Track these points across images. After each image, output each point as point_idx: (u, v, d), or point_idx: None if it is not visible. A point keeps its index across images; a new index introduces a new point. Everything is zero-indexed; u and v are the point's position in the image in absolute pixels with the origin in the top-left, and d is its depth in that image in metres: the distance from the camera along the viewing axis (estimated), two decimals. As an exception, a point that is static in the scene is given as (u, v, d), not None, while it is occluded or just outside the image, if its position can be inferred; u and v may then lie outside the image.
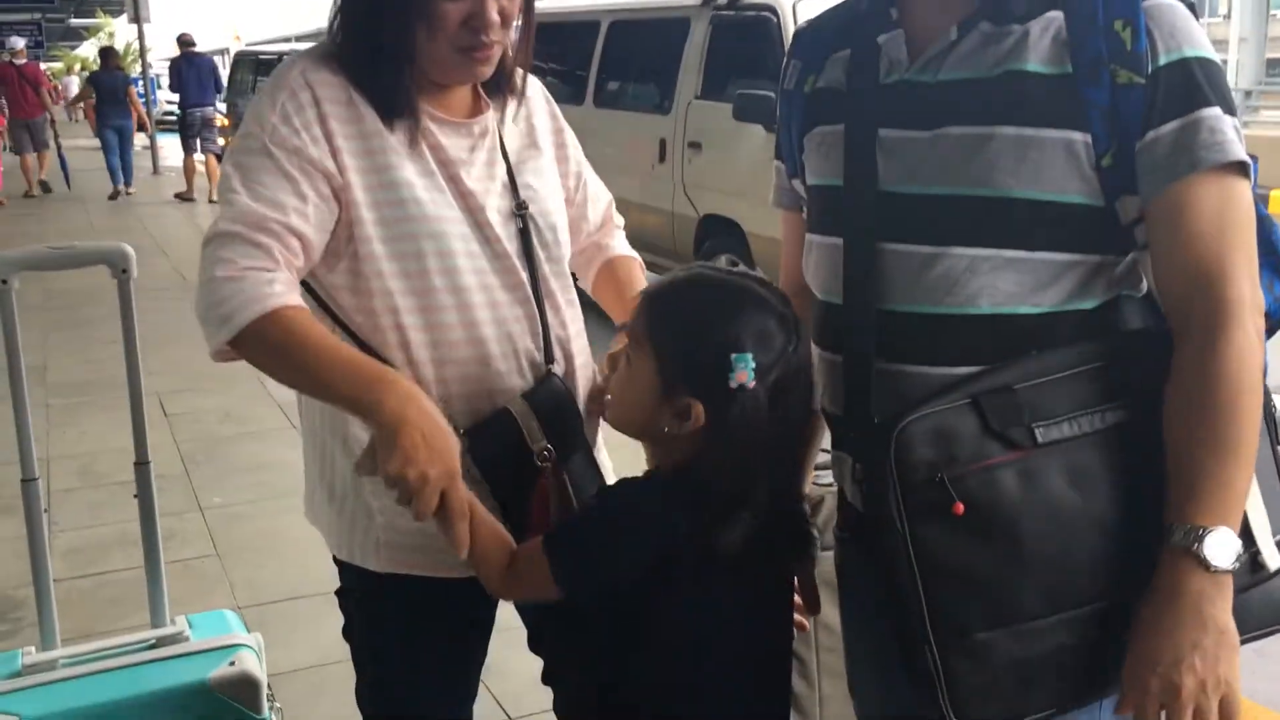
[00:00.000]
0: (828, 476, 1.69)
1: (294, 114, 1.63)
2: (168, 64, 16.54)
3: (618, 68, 8.35)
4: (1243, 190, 1.34)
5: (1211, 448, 1.30)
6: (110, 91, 15.26)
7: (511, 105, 1.84)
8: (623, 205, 2.11)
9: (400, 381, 1.54)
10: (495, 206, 1.73)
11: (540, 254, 1.77)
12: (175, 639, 2.43)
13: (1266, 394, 1.34)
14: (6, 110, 15.60)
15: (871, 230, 1.44)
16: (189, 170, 14.59)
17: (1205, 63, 1.34)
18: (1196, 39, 1.34)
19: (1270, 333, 1.40)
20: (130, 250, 2.43)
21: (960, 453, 1.33)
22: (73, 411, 5.81)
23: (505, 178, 1.77)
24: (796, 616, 1.71)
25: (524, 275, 1.73)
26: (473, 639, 1.87)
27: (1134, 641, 1.32)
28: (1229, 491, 1.30)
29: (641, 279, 2.02)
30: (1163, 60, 1.32)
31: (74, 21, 41.12)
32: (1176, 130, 1.32)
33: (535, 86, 1.90)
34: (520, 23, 1.76)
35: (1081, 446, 1.35)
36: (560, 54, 8.68)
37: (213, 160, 14.52)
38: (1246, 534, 1.34)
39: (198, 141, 14.54)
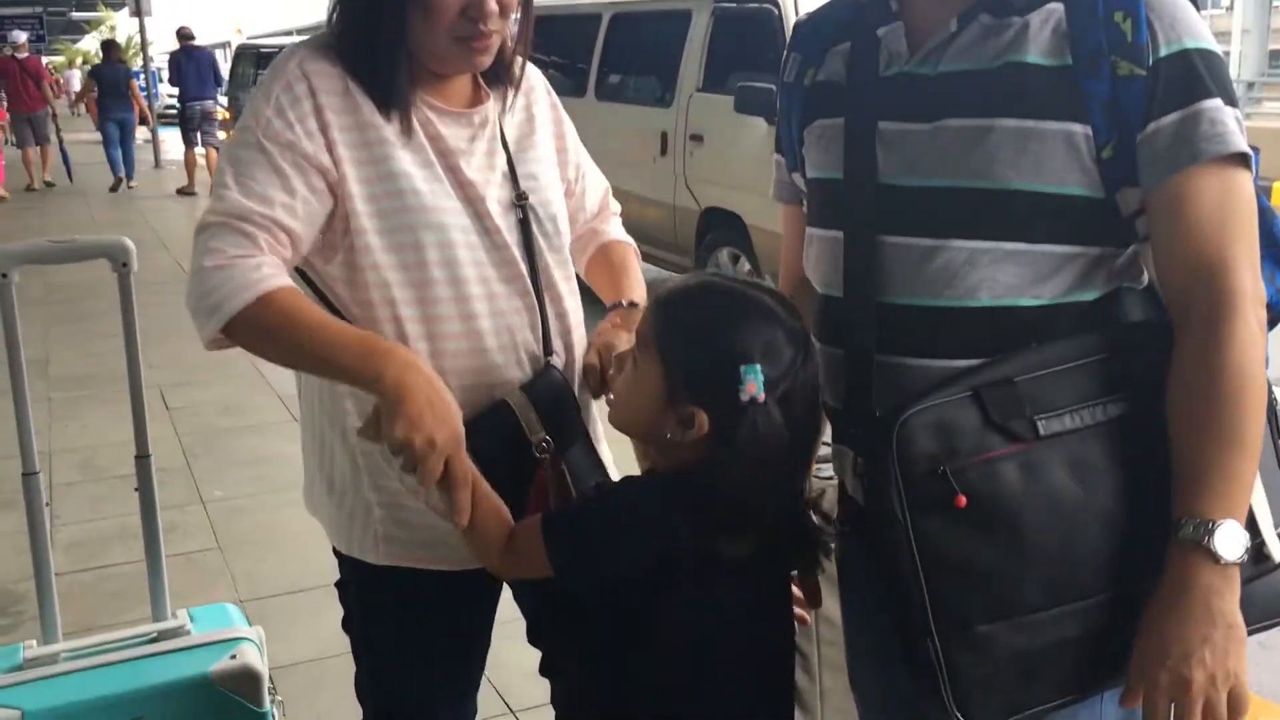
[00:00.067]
0: (828, 470, 1.69)
1: (289, 107, 1.63)
2: (167, 57, 16.52)
3: (619, 60, 8.34)
4: (1244, 182, 1.33)
5: (1217, 440, 1.30)
6: (112, 85, 15.25)
7: (511, 95, 1.83)
8: (624, 198, 2.11)
9: (399, 350, 1.55)
10: (495, 197, 1.73)
11: (541, 244, 1.77)
12: (176, 632, 2.43)
13: (1268, 386, 1.34)
14: (6, 104, 15.59)
15: (872, 223, 1.44)
16: (190, 164, 14.59)
17: (1206, 54, 1.33)
18: (1197, 30, 1.34)
19: (1272, 324, 1.39)
20: (130, 244, 2.42)
21: (962, 445, 1.33)
22: (74, 405, 5.81)
23: (505, 168, 1.76)
24: (797, 610, 1.70)
25: (523, 267, 1.73)
26: (472, 633, 1.87)
27: (1142, 635, 1.32)
28: (1236, 484, 1.30)
29: (635, 264, 2.02)
30: (1163, 52, 1.32)
31: (75, 15, 41.08)
32: (1177, 122, 1.32)
33: (535, 76, 1.90)
34: (519, 13, 1.76)
35: (1083, 439, 1.34)
36: (562, 47, 8.67)
37: (213, 154, 14.50)
38: (1251, 526, 1.34)
39: (198, 135, 14.53)
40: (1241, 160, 1.33)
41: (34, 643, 2.41)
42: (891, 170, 1.44)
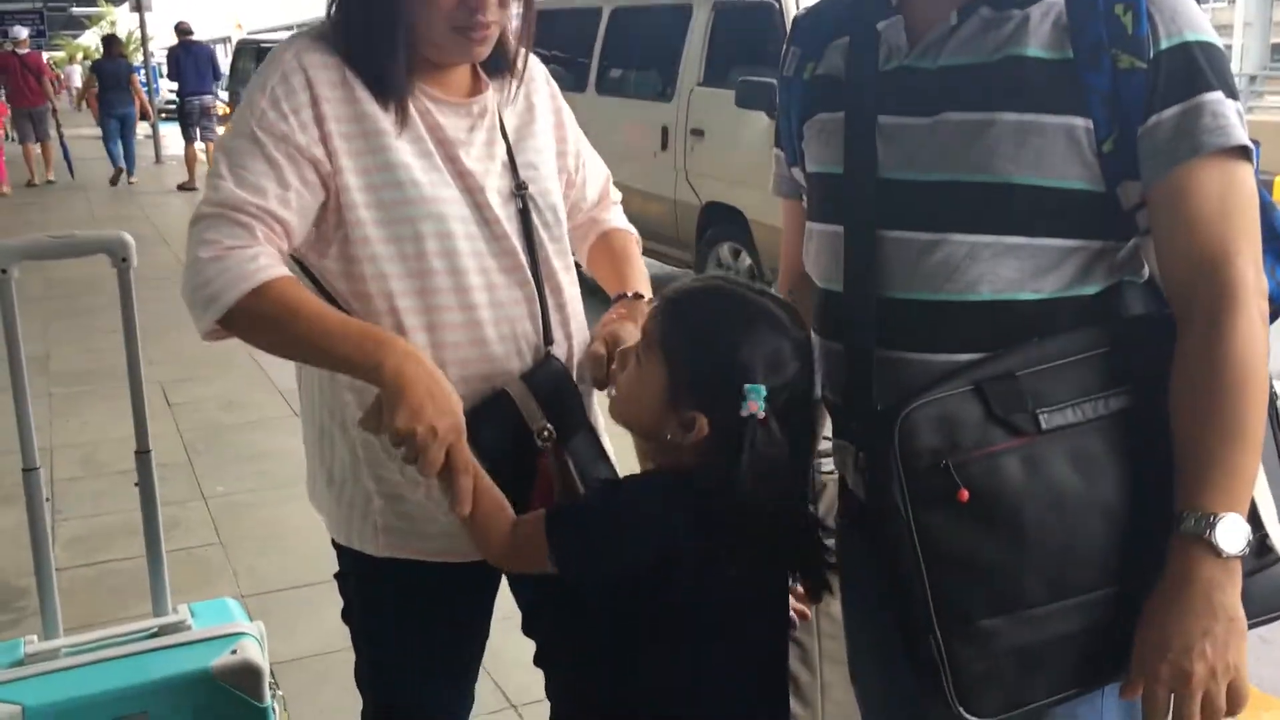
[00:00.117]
0: (828, 465, 1.69)
1: (284, 98, 1.63)
2: (166, 53, 16.51)
3: (620, 55, 8.33)
4: (1245, 174, 1.33)
5: (1219, 433, 1.30)
6: (114, 79, 15.25)
7: (511, 84, 1.83)
8: (625, 193, 2.11)
9: (397, 340, 1.56)
10: (495, 187, 1.72)
11: (541, 234, 1.77)
12: (177, 627, 2.43)
13: (1269, 380, 1.34)
14: (5, 98, 15.59)
15: (872, 218, 1.44)
16: (190, 159, 14.57)
17: (1207, 47, 1.33)
18: (1198, 23, 1.34)
19: (1274, 317, 1.39)
20: (130, 239, 2.42)
21: (964, 439, 1.32)
22: (75, 401, 5.81)
23: (505, 157, 1.76)
24: (798, 605, 1.70)
25: (523, 257, 1.73)
26: (471, 624, 1.88)
27: (1143, 628, 1.32)
28: (1238, 477, 1.30)
29: (636, 251, 2.02)
30: (1164, 44, 1.31)
31: (76, 10, 41.05)
32: (1178, 115, 1.31)
33: (535, 65, 1.89)
34: (521, 5, 1.76)
35: (1085, 432, 1.34)
36: (562, 41, 8.66)
37: (213, 149, 14.46)
38: (1254, 519, 1.34)
39: (197, 130, 14.51)
40: (1243, 153, 1.33)
41: (35, 638, 2.41)
42: (891, 164, 1.44)
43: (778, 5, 6.38)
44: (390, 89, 1.66)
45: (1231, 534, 1.28)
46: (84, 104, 16.83)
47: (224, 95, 18.11)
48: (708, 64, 7.12)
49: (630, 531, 1.48)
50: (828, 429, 1.61)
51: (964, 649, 1.33)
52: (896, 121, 1.44)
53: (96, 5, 40.09)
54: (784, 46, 1.66)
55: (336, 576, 1.88)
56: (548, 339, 1.75)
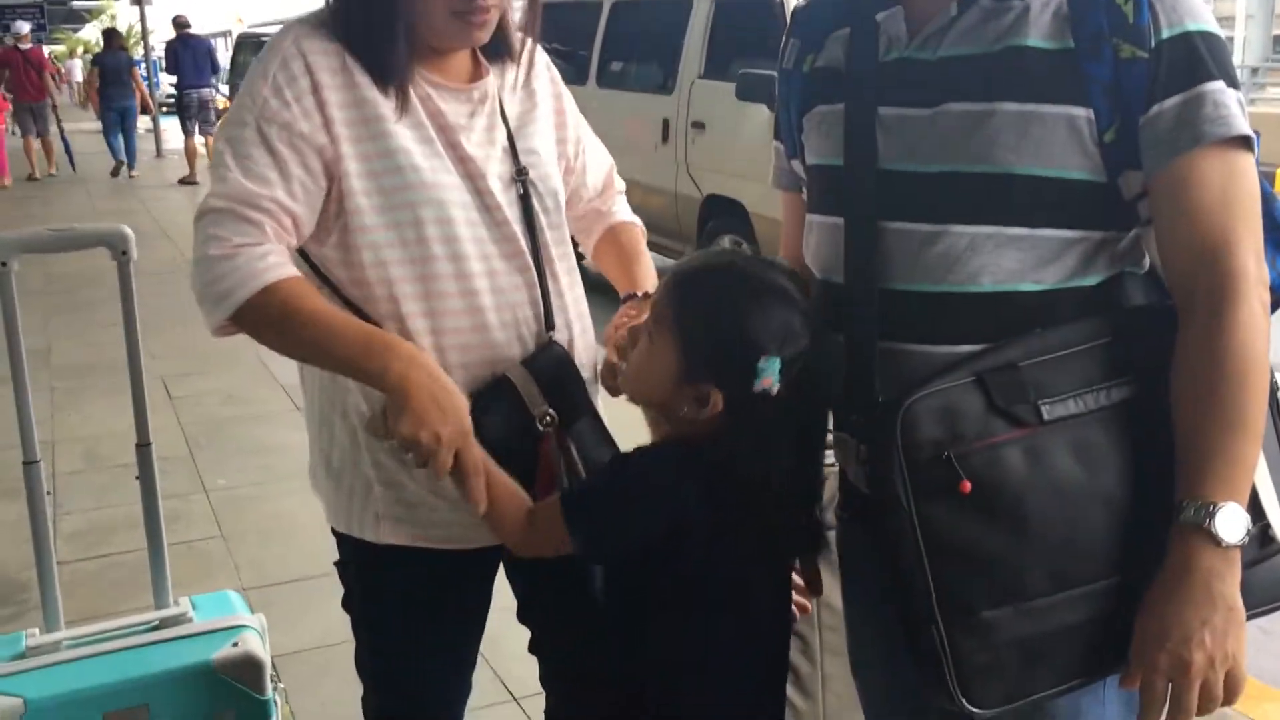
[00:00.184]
0: (829, 457, 1.69)
1: (285, 86, 1.62)
2: (164, 46, 16.50)
3: (620, 48, 8.32)
4: (1247, 164, 1.33)
5: (1220, 423, 1.29)
6: (115, 73, 15.26)
7: (512, 70, 1.82)
8: (626, 185, 2.10)
9: (402, 345, 1.57)
10: (496, 173, 1.72)
11: (541, 220, 1.76)
12: (178, 620, 2.43)
13: (1270, 370, 1.33)
14: (4, 91, 15.61)
15: (872, 209, 1.44)
16: (190, 153, 14.56)
17: (1208, 36, 1.32)
18: (1199, 12, 1.33)
19: (1275, 307, 1.39)
20: (129, 232, 2.42)
21: (966, 431, 1.32)
22: (77, 395, 5.81)
23: (506, 143, 1.75)
24: (798, 598, 1.71)
25: (524, 243, 1.73)
26: (470, 611, 1.88)
27: (1142, 617, 1.32)
28: (1238, 466, 1.30)
29: (644, 246, 2.02)
30: (1165, 34, 1.31)
31: (76, 4, 41.05)
32: (1179, 105, 1.31)
33: (536, 51, 1.88)
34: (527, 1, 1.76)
35: (1087, 423, 1.34)
36: (563, 34, 8.65)
37: (212, 142, 14.47)
38: (1256, 508, 1.34)
39: (196, 124, 14.49)
40: (1244, 143, 1.32)
41: (36, 631, 2.41)
42: (892, 156, 1.43)
43: (778, -3, 6.37)
44: (390, 75, 1.65)
45: (1231, 523, 1.27)
46: (87, 102, 16.80)
47: (224, 89, 18.10)
48: (708, 56, 7.11)
49: (643, 503, 1.50)
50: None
51: (966, 640, 1.33)
52: (897, 113, 1.44)
53: (97, -1, 40.07)
54: (783, 38, 1.66)
55: (337, 564, 1.88)
56: (549, 324, 1.75)
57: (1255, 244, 1.33)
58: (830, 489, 1.73)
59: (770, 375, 1.41)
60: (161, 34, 16.27)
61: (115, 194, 14.18)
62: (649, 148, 7.53)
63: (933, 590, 1.32)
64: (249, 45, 18.30)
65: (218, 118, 14.74)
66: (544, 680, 2.01)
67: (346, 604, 1.88)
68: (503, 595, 1.93)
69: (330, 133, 1.63)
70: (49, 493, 2.55)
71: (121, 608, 3.26)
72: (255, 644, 2.34)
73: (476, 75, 1.77)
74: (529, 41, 1.84)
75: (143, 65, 17.81)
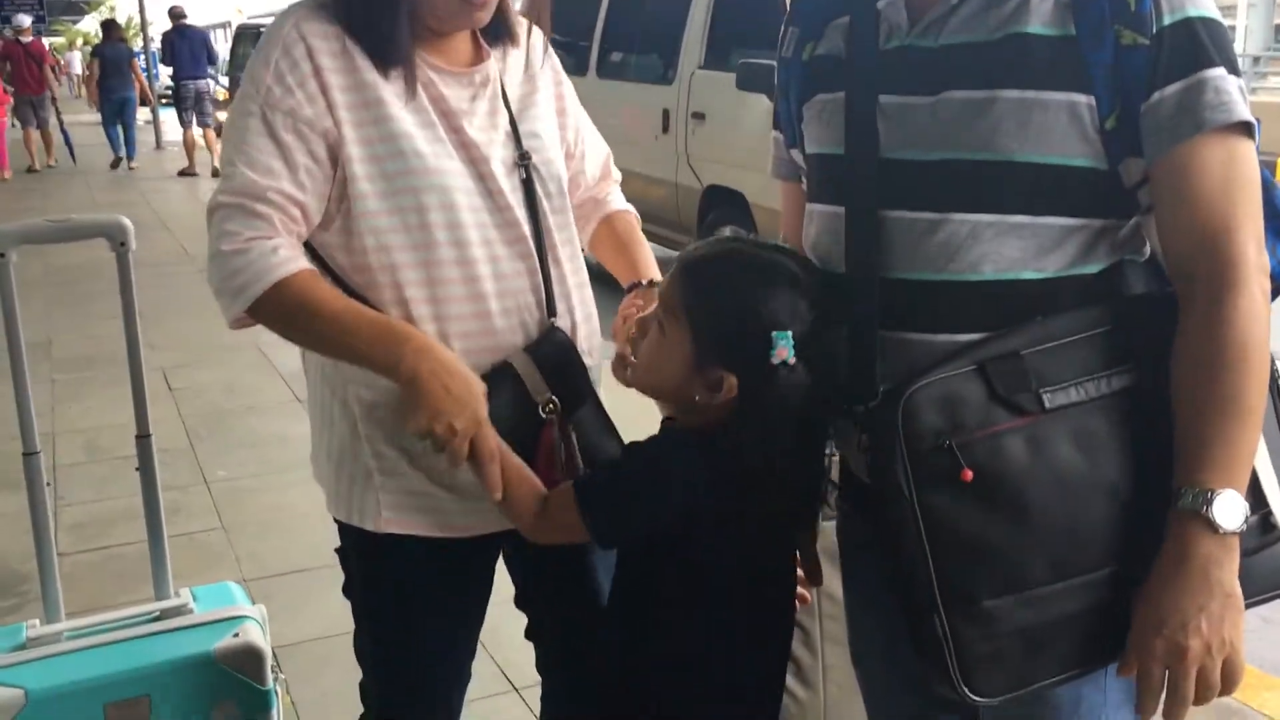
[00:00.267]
0: (830, 447, 1.69)
1: (288, 72, 1.62)
2: (160, 37, 16.48)
3: (621, 38, 8.30)
4: (1247, 151, 1.33)
5: (1219, 409, 1.29)
6: (114, 64, 15.26)
7: (513, 53, 1.82)
8: (626, 176, 2.10)
9: (414, 336, 1.58)
10: (499, 158, 1.71)
11: (544, 205, 1.76)
12: (179, 611, 2.43)
13: (1271, 358, 1.33)
14: (4, 84, 15.62)
15: (873, 198, 1.43)
16: (189, 145, 14.56)
17: (1209, 23, 1.32)
18: None
19: (1275, 294, 1.39)
20: (128, 223, 2.41)
21: (967, 419, 1.32)
22: (77, 387, 5.81)
23: (508, 127, 1.75)
24: (799, 589, 1.71)
25: (526, 228, 1.72)
26: (471, 599, 1.88)
27: (1140, 604, 1.32)
28: (1236, 453, 1.29)
29: (640, 235, 2.02)
30: (1167, 20, 1.31)
31: (75, -4, 41.02)
32: (1181, 91, 1.31)
33: (536, 35, 1.87)
34: None
35: (1088, 412, 1.34)
36: (563, 25, 8.61)
37: (210, 134, 14.50)
38: (1258, 495, 1.35)
39: (193, 115, 14.48)
40: (1245, 129, 1.32)
41: (37, 622, 2.41)
42: (893, 144, 1.43)
43: (779, -13, 6.36)
44: (393, 58, 1.65)
45: (1229, 510, 1.27)
46: (86, 93, 16.79)
47: (224, 81, 18.07)
48: (709, 47, 7.10)
49: (655, 489, 1.51)
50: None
51: (968, 630, 1.33)
52: (898, 101, 1.43)
53: (96, -10, 40.01)
54: (782, 26, 1.65)
55: (337, 551, 1.88)
56: (551, 311, 1.74)
57: (1256, 231, 1.32)
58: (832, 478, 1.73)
59: (785, 346, 1.42)
60: (161, 25, 16.24)
61: (115, 186, 14.17)
62: (649, 138, 7.51)
63: (934, 579, 1.32)
64: (248, 36, 18.26)
65: (215, 109, 14.73)
66: (540, 667, 2.02)
67: (347, 590, 1.88)
68: (503, 586, 1.93)
69: (334, 116, 1.62)
70: (49, 484, 2.54)
71: (122, 599, 3.26)
72: (256, 635, 2.34)
73: (478, 59, 1.76)
74: (532, 27, 1.83)
75: (142, 57, 17.76)
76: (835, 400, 1.48)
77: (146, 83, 16.84)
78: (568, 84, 1.94)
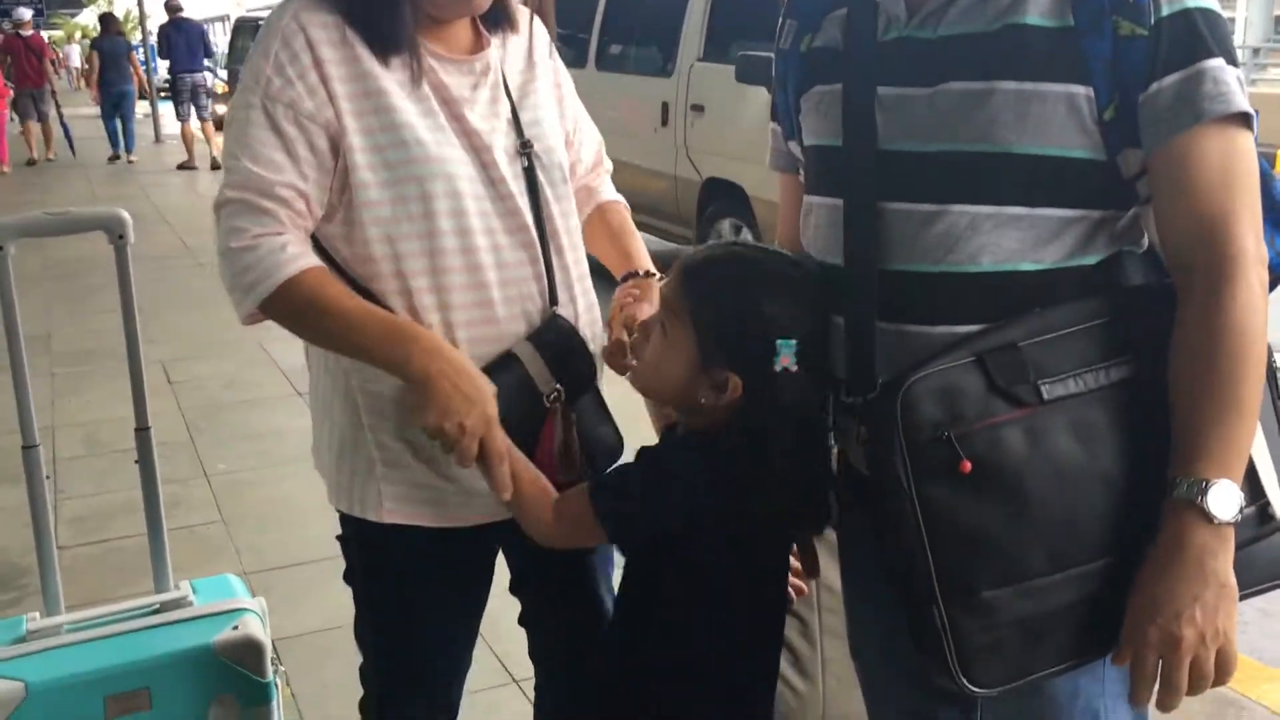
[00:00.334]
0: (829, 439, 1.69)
1: (288, 64, 1.61)
2: (157, 30, 16.48)
3: (619, 31, 8.29)
4: (1246, 142, 1.33)
5: (1215, 400, 1.29)
6: (113, 58, 15.26)
7: (513, 40, 1.81)
8: (625, 169, 2.10)
9: (422, 336, 1.58)
10: (501, 146, 1.71)
11: (547, 193, 1.76)
12: (179, 604, 2.43)
13: (1268, 349, 1.33)
14: (5, 78, 15.63)
15: (872, 190, 1.43)
16: (187, 138, 14.54)
17: (1208, 13, 1.32)
18: None
19: (1273, 286, 1.39)
20: (126, 216, 2.41)
21: (966, 411, 1.32)
22: (77, 380, 5.81)
23: (509, 115, 1.75)
24: (795, 580, 1.71)
25: (528, 217, 1.72)
26: (472, 588, 1.88)
27: (1135, 593, 1.32)
28: (1232, 444, 1.30)
29: (633, 225, 2.02)
30: (1165, 11, 1.31)
31: (74, -11, 40.98)
32: (1179, 82, 1.31)
33: (535, 23, 1.87)
34: None
35: (1087, 403, 1.34)
36: (562, 17, 8.61)
37: (208, 127, 14.49)
38: (1255, 486, 1.35)
39: (191, 108, 14.47)
40: (1243, 120, 1.32)
41: (37, 615, 2.41)
42: (891, 136, 1.43)
43: (778, -21, 6.35)
44: (394, 46, 1.64)
45: (1223, 500, 1.28)
46: (90, 83, 16.75)
47: (223, 74, 18.05)
48: (708, 39, 7.08)
49: (660, 492, 1.51)
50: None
51: (967, 621, 1.33)
52: (896, 92, 1.43)
53: (95, -16, 39.94)
54: (780, 18, 1.65)
55: (339, 539, 1.88)
56: (553, 299, 1.74)
57: (1254, 222, 1.32)
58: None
59: (788, 354, 1.43)
60: (160, 19, 16.23)
61: (114, 179, 14.16)
62: (648, 131, 7.50)
63: (933, 571, 1.32)
64: (247, 29, 18.24)
65: (213, 102, 14.72)
66: (532, 654, 2.02)
67: (348, 578, 1.89)
68: (503, 578, 1.93)
69: (335, 107, 1.62)
70: (48, 477, 2.54)
71: (122, 592, 3.26)
72: (256, 627, 2.34)
73: (478, 46, 1.76)
74: (551, 24, 1.83)
75: (140, 50, 17.75)
76: (834, 394, 1.49)
77: (145, 76, 16.82)
78: (565, 72, 1.94)
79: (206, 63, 14.98)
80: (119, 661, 2.25)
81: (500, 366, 1.66)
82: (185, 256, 8.79)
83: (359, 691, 1.94)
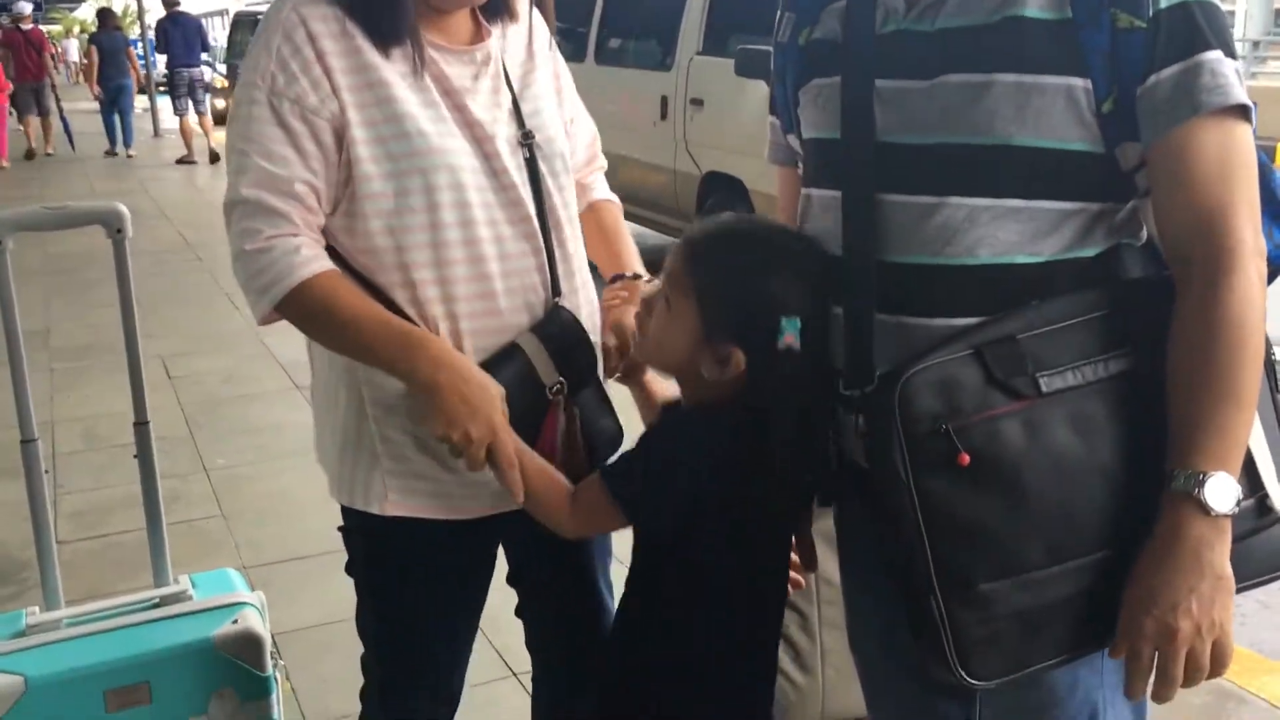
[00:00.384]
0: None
1: (290, 58, 1.61)
2: (155, 24, 16.46)
3: (619, 24, 8.29)
4: (1244, 134, 1.32)
5: (1213, 392, 1.29)
6: (111, 53, 15.27)
7: (513, 29, 1.81)
8: (625, 163, 2.11)
9: (430, 345, 1.59)
10: (503, 136, 1.71)
11: (548, 183, 1.75)
12: (178, 598, 2.43)
13: (1266, 342, 1.33)
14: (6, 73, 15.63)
15: (870, 182, 1.43)
16: (186, 133, 14.54)
17: (1206, 6, 1.32)
18: None
19: (1271, 278, 1.38)
20: (124, 210, 2.41)
21: (964, 403, 1.32)
22: (76, 375, 5.81)
23: (510, 105, 1.74)
24: (793, 574, 1.71)
25: (530, 208, 1.72)
26: (473, 580, 1.89)
27: (1131, 585, 1.32)
28: (1230, 436, 1.30)
29: (625, 226, 2.03)
30: (1163, 3, 1.30)
31: (73, -17, 40.94)
32: (1177, 74, 1.30)
33: (536, 15, 1.87)
34: None
35: (1085, 396, 1.34)
36: (561, 11, 8.60)
37: (206, 121, 14.48)
38: (1254, 478, 1.34)
39: (188, 102, 14.45)
40: (1242, 112, 1.32)
41: (36, 609, 2.41)
42: (890, 128, 1.43)
43: (777, -27, 6.34)
44: (395, 36, 1.64)
45: (1221, 492, 1.28)
46: (88, 77, 16.72)
47: (221, 69, 18.02)
48: (707, 33, 7.08)
49: (668, 471, 1.51)
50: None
51: (964, 613, 1.33)
52: (895, 85, 1.43)
53: (93, -22, 39.86)
54: (778, 12, 1.65)
55: (341, 530, 1.88)
56: (556, 290, 1.74)
57: (1252, 214, 1.32)
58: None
59: (792, 332, 1.43)
60: (158, 13, 16.21)
61: (113, 174, 14.16)
62: (648, 125, 7.50)
63: (931, 563, 1.32)
64: (246, 23, 18.24)
65: (211, 96, 14.70)
66: (529, 644, 2.03)
67: (350, 569, 1.89)
68: (501, 571, 1.93)
69: (339, 100, 1.62)
70: (48, 472, 2.54)
71: (121, 586, 3.27)
72: (255, 621, 2.35)
73: (478, 37, 1.75)
74: (550, 16, 1.83)
75: (139, 45, 17.73)
76: (832, 385, 1.49)
77: (143, 71, 16.81)
78: (562, 63, 1.94)
79: (204, 57, 14.96)
80: (119, 656, 2.25)
81: (504, 357, 1.67)
82: (184, 251, 8.78)
83: (359, 684, 1.95)
